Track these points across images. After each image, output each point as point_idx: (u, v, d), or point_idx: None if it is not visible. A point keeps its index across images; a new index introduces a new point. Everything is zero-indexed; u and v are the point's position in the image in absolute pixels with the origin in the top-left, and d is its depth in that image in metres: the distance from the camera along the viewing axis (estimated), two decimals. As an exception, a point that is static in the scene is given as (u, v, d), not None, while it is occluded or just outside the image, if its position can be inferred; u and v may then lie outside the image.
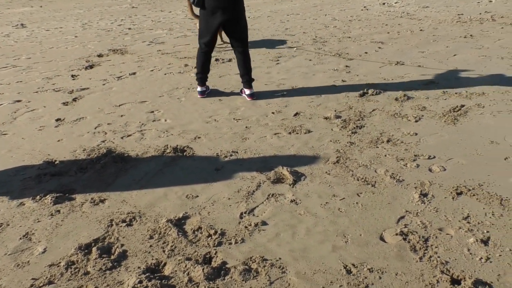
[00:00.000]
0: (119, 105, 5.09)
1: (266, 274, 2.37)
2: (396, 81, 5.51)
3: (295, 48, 7.43)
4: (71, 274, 2.42)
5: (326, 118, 4.52)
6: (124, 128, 4.44)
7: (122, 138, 4.20)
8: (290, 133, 4.19)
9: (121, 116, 4.76)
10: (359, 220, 2.84)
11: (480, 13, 9.37)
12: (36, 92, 5.59)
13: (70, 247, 2.64)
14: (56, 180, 3.44)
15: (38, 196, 3.17)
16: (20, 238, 2.74)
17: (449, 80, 5.43)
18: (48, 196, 3.16)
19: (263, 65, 6.51)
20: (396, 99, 4.90)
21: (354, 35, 8.17)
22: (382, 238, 2.67)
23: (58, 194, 3.18)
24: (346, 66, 6.28)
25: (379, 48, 7.16)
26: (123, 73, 6.38)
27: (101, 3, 14.45)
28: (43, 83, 5.97)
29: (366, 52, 6.93)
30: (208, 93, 5.32)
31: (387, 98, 4.96)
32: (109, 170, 3.57)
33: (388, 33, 8.19)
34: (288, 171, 3.42)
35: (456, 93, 4.95)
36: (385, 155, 3.67)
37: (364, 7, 11.24)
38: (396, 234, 2.68)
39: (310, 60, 6.71)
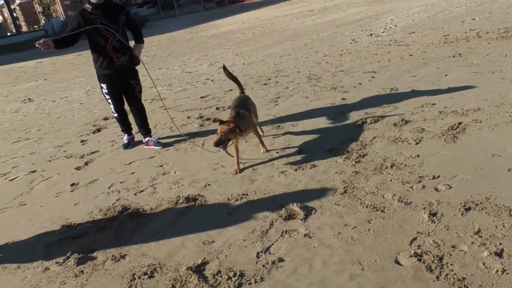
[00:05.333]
0: (129, 163, 5.27)
1: (289, 309, 2.43)
2: (392, 107, 5.67)
3: (291, 88, 7.67)
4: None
5: (329, 151, 4.65)
6: (136, 184, 4.59)
7: (135, 194, 4.34)
8: (296, 170, 4.32)
9: (132, 173, 4.93)
10: (372, 246, 2.91)
11: (466, 32, 9.66)
12: (49, 161, 5.80)
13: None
14: (77, 242, 3.56)
15: (61, 260, 3.29)
16: (48, 303, 2.83)
17: (444, 99, 5.58)
18: (71, 258, 3.28)
19: (263, 107, 6.73)
20: (395, 124, 5.04)
21: (346, 68, 8.44)
22: (397, 262, 2.72)
23: (80, 256, 3.30)
24: (343, 98, 6.47)
25: (372, 77, 7.38)
26: (129, 132, 6.60)
27: (101, 68, 15.04)
28: (55, 152, 6.20)
29: (360, 83, 7.14)
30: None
31: (385, 124, 5.10)
32: (126, 227, 3.69)
33: (379, 62, 8.45)
34: (298, 207, 3.52)
35: (452, 112, 5.09)
36: (391, 180, 3.77)
37: (353, 40, 11.62)
38: (411, 256, 2.74)
39: (307, 97, 6.92)
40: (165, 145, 5.68)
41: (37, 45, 4.74)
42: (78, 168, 5.36)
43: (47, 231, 3.85)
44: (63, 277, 3.09)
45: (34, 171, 5.51)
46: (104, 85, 5.42)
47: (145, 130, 5.81)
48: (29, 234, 3.83)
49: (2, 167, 5.86)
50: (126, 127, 5.89)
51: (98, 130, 7.01)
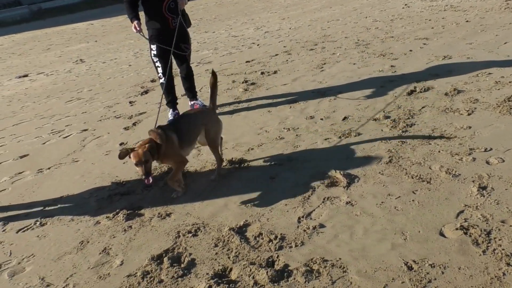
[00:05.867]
0: (175, 125, 5.36)
1: (328, 274, 2.47)
2: (444, 76, 5.42)
3: (338, 54, 7.48)
4: (147, 283, 2.63)
5: (375, 119, 4.54)
6: (182, 146, 4.68)
7: (180, 156, 4.44)
8: (340, 137, 4.26)
9: (178, 135, 5.03)
10: (416, 217, 2.86)
11: (531, -4, 8.97)
12: (100, 120, 6.03)
13: (144, 258, 2.86)
14: (126, 199, 3.73)
15: (111, 215, 3.46)
16: (100, 253, 3.01)
17: (502, 69, 5.26)
18: (120, 214, 3.45)
19: (308, 73, 6.62)
20: (446, 94, 4.83)
21: (397, 34, 8.09)
22: (441, 234, 2.68)
23: (128, 212, 3.46)
24: (392, 66, 6.25)
25: (424, 44, 7.05)
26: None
27: (149, 31, 15.19)
28: (105, 112, 6.42)
29: (410, 50, 6.85)
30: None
31: (436, 94, 4.90)
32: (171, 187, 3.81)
33: (432, 28, 8.04)
34: (341, 174, 3.50)
35: (510, 82, 4.80)
36: (439, 151, 3.65)
37: (405, 4, 11.07)
38: (456, 229, 2.68)
39: (354, 63, 6.73)
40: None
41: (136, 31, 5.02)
42: (126, 128, 5.54)
43: (98, 186, 4.04)
44: (113, 231, 3.27)
45: (85, 130, 5.75)
46: (154, 47, 5.23)
47: (192, 94, 5.72)
48: (82, 189, 4.04)
49: (57, 125, 6.15)
50: (171, 98, 5.58)
51: (146, 92, 7.17)
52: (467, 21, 8.07)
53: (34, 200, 3.98)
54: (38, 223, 3.56)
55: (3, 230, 3.51)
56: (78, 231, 3.34)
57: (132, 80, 8.20)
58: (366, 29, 9.06)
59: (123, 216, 3.40)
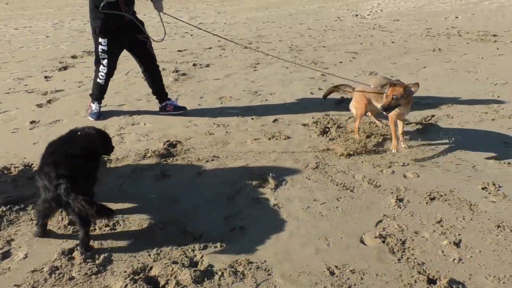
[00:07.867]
0: (97, 108, 5.01)
1: (252, 276, 2.42)
2: (370, 90, 5.67)
3: (271, 56, 7.54)
4: (55, 279, 2.37)
5: (304, 124, 4.61)
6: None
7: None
8: (269, 138, 4.26)
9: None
10: (339, 224, 2.92)
11: (448, 28, 9.77)
12: (8, 93, 5.44)
13: (52, 252, 2.58)
14: (33, 184, 3.35)
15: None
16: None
17: (420, 91, 5.62)
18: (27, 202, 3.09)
19: (241, 71, 6.58)
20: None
21: (328, 44, 8.37)
22: (362, 241, 2.76)
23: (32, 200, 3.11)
24: (322, 74, 6.42)
25: (353, 58, 7.36)
26: (99, 75, 6.29)
27: (73, 2, 14.22)
28: (14, 84, 5.82)
29: (341, 62, 7.10)
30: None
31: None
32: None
33: (361, 44, 8.43)
34: (269, 176, 3.48)
35: (427, 104, 5.15)
36: (362, 162, 3.79)
37: (338, 17, 11.54)
38: (375, 237, 2.78)
39: (287, 67, 6.83)
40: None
41: None
42: (39, 105, 5.06)
43: (2, 166, 3.61)
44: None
45: (-11, 102, 5.16)
46: (104, 40, 4.45)
47: (163, 93, 4.98)
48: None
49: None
50: (100, 97, 4.83)
51: (65, 68, 6.64)
52: (392, 42, 8.58)
53: None
54: None
55: None
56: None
57: (49, 53, 7.56)
58: (300, 35, 9.26)
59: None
